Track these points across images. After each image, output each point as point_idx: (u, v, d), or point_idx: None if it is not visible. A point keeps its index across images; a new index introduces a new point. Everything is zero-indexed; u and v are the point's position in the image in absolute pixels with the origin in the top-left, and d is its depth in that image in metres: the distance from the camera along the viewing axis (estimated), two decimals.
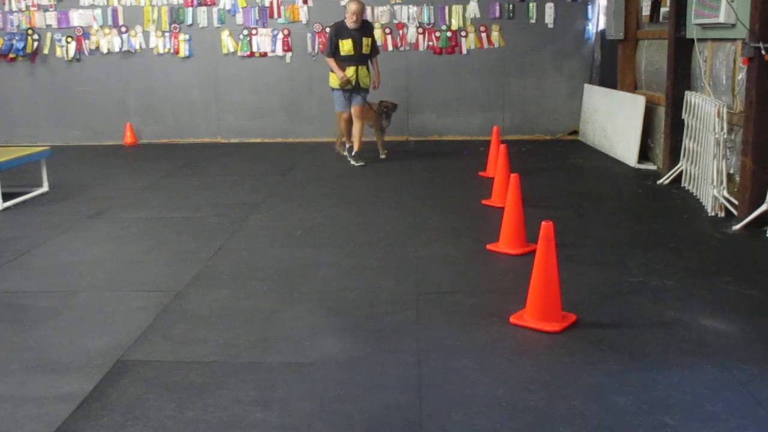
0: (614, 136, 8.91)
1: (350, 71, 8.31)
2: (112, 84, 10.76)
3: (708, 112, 6.20)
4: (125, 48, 10.59)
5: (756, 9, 5.40)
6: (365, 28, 8.43)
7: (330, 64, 8.38)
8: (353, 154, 8.61)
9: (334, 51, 8.30)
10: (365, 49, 8.34)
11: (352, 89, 8.41)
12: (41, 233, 5.80)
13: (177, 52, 10.61)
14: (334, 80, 8.40)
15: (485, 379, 3.25)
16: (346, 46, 8.22)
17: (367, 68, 8.50)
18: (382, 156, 8.94)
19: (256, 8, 10.46)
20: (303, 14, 10.38)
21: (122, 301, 4.31)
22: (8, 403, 3.13)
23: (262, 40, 10.52)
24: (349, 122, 8.70)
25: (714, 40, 6.59)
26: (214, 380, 3.28)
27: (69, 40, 10.62)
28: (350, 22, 8.20)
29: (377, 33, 10.39)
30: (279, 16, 10.46)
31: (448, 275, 4.69)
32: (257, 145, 10.57)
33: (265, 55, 10.60)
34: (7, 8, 10.60)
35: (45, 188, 7.34)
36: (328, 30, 8.84)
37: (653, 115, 8.23)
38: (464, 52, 10.45)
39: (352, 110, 8.52)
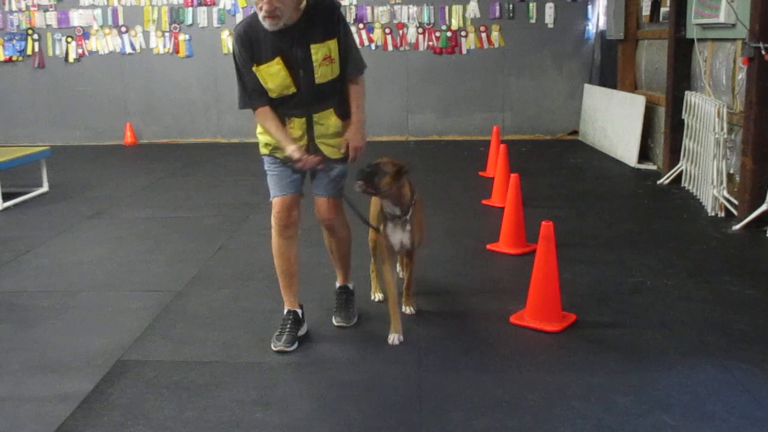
0: (614, 136, 8.90)
1: (295, 129, 3.57)
2: (112, 84, 10.76)
3: (708, 112, 6.20)
4: (128, 51, 10.60)
5: (756, 9, 5.40)
6: (311, 23, 3.38)
7: (267, 127, 3.65)
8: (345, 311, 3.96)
9: (257, 96, 3.52)
10: (321, 75, 3.42)
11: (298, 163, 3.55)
12: (41, 233, 5.80)
13: (177, 52, 10.62)
14: (263, 140, 3.80)
15: (485, 379, 3.25)
16: (272, 80, 3.43)
17: (337, 112, 3.57)
18: (407, 310, 4.02)
19: None
20: None
21: (122, 301, 4.31)
22: (8, 403, 3.13)
23: None
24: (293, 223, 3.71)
25: (714, 40, 6.59)
26: (214, 380, 3.28)
27: (69, 40, 10.62)
28: (266, 21, 3.29)
29: (377, 33, 10.39)
30: None
31: (448, 275, 4.69)
32: (257, 145, 10.52)
33: None
34: (7, 8, 10.60)
35: (45, 188, 7.34)
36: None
37: (653, 115, 8.23)
38: (464, 52, 10.45)
39: (318, 208, 3.78)
